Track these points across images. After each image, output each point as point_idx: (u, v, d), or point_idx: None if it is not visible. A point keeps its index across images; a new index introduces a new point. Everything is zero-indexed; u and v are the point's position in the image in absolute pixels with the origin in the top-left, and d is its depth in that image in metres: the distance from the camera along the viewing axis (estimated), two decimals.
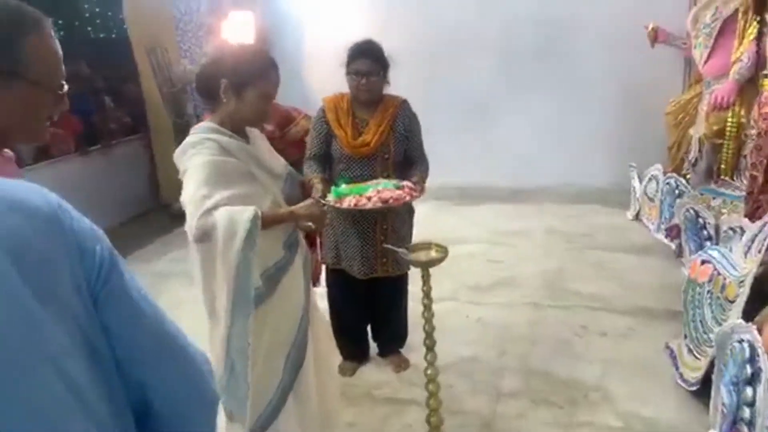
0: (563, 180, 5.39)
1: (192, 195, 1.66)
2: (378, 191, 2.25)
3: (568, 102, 5.28)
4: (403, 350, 2.99)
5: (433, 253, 1.90)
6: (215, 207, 1.65)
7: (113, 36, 7.14)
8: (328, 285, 2.87)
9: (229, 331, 1.70)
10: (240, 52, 1.81)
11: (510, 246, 4.44)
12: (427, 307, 1.93)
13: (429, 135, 5.35)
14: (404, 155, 2.67)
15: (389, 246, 2.01)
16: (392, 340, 2.98)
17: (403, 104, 2.66)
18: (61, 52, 0.97)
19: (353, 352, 2.96)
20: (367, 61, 2.49)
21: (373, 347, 3.03)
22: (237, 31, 5.43)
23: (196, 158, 1.70)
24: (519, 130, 5.43)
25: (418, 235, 4.40)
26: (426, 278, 1.91)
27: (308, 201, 1.87)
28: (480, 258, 4.24)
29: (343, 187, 2.31)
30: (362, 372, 2.93)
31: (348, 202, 2.21)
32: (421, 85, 5.53)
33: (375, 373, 2.92)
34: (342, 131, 2.57)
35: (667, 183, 4.27)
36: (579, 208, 5.12)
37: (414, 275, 2.70)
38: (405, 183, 2.37)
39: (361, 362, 2.96)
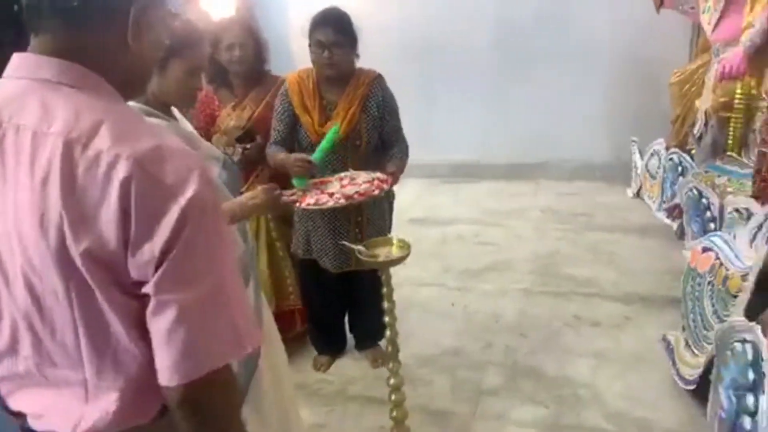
0: (561, 155, 5.13)
1: None
2: (342, 185, 2.05)
3: (568, 73, 4.97)
4: (382, 343, 2.80)
5: (394, 250, 1.69)
6: None
7: None
8: (300, 276, 2.68)
9: None
10: None
11: (503, 227, 4.22)
12: (390, 312, 1.73)
13: (423, 110, 5.16)
14: (380, 138, 2.43)
15: (345, 243, 1.80)
16: (369, 333, 2.78)
17: (376, 80, 2.39)
18: None
19: (328, 345, 2.79)
20: (331, 30, 2.22)
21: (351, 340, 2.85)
22: None
23: None
24: (517, 104, 5.14)
25: (406, 214, 4.22)
26: (386, 280, 1.69)
27: (257, 189, 1.66)
28: (471, 240, 4.03)
29: (308, 181, 2.10)
30: (338, 366, 2.75)
31: (308, 200, 2.00)
32: (416, 58, 5.27)
33: (351, 367, 2.74)
34: (307, 116, 2.32)
35: (670, 159, 4.02)
36: (577, 186, 4.88)
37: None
38: (376, 175, 2.14)
39: (336, 356, 2.78)
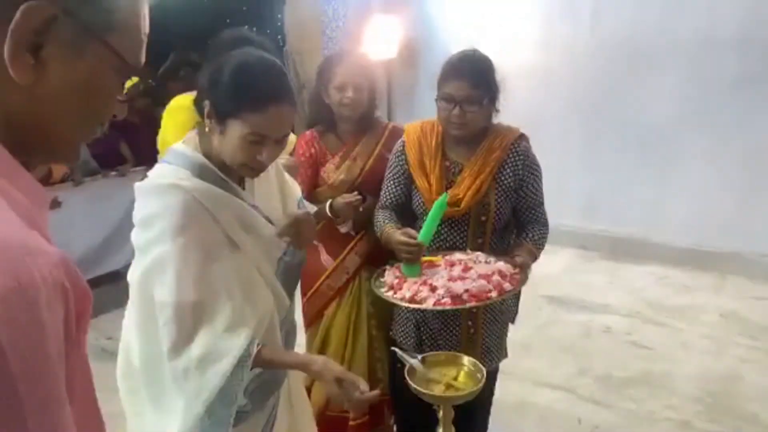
0: (758, 248, 4.07)
1: (181, 299, 1.14)
2: (450, 275, 1.58)
3: None
4: None
5: (461, 378, 1.16)
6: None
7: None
8: (392, 360, 2.19)
9: None
10: (238, 66, 1.16)
11: (667, 328, 3.37)
12: None
13: (584, 170, 4.47)
14: (513, 213, 1.90)
15: (397, 350, 1.29)
16: None
17: (517, 142, 1.85)
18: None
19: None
20: (464, 83, 1.73)
21: None
22: (381, 39, 5.03)
23: (166, 224, 1.14)
24: (705, 175, 4.23)
25: (546, 288, 3.57)
26: (444, 419, 1.16)
27: (330, 377, 1.20)
28: (621, 337, 3.27)
29: (420, 270, 1.66)
30: None
31: (403, 292, 1.57)
32: (583, 109, 4.62)
33: None
34: (424, 180, 1.84)
35: None
36: None
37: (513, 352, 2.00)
38: (497, 266, 1.63)
39: None
